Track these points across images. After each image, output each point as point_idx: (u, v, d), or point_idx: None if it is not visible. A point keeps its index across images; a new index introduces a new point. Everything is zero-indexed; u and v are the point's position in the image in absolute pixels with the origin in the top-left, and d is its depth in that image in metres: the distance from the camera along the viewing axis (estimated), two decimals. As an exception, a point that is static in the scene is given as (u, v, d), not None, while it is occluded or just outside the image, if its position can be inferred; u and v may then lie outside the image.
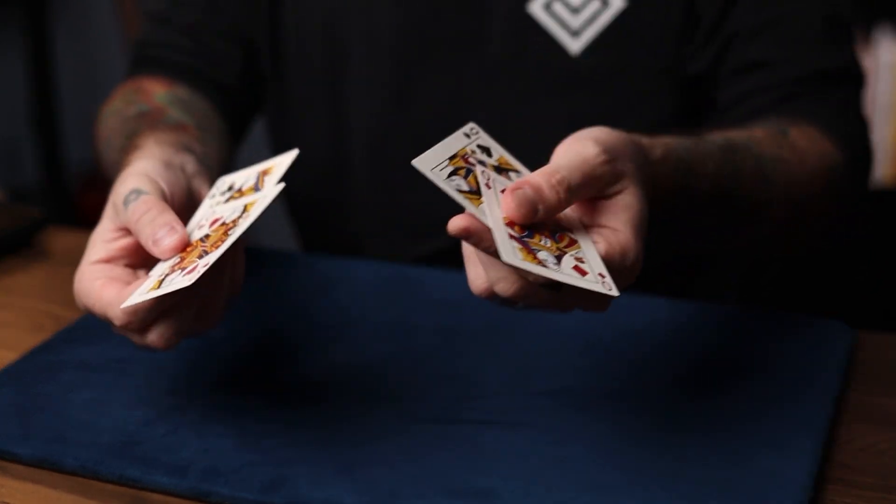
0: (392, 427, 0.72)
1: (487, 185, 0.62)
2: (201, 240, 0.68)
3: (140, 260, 0.71)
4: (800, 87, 0.93)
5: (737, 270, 1.14)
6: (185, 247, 0.68)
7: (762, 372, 0.79)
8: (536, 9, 0.94)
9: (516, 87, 0.97)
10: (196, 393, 0.77)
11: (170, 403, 0.75)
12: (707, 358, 0.81)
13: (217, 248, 0.66)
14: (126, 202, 0.70)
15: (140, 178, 0.72)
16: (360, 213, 1.04)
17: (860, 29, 1.95)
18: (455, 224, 0.60)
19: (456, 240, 0.60)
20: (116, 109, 0.95)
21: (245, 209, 0.69)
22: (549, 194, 0.62)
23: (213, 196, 0.73)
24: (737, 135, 0.83)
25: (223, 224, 0.69)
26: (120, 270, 0.71)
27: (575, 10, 0.93)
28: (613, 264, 0.62)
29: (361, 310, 0.87)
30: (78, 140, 2.67)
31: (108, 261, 0.71)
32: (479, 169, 0.63)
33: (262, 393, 0.77)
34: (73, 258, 1.04)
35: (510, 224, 0.61)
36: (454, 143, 0.64)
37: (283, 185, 0.69)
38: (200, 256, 0.66)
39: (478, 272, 0.64)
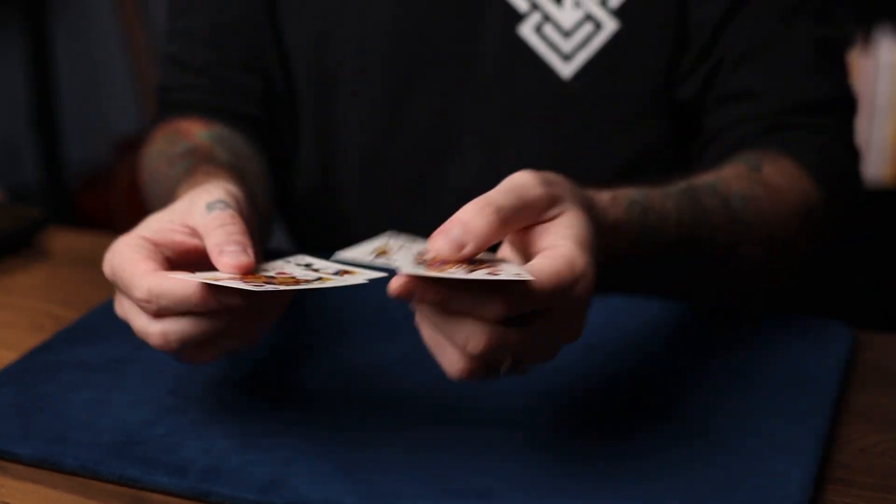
0: (392, 427, 0.72)
1: (391, 238, 0.63)
2: (266, 276, 0.68)
3: (183, 264, 0.70)
4: (785, 118, 0.91)
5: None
6: (248, 271, 0.67)
7: (762, 372, 0.79)
8: (527, 31, 0.93)
9: (507, 109, 0.96)
10: (196, 393, 0.77)
11: (170, 403, 0.75)
12: (707, 358, 0.81)
13: (285, 285, 0.65)
14: (211, 208, 0.70)
15: (230, 197, 0.71)
16: (355, 233, 1.04)
17: (860, 29, 1.95)
18: (394, 287, 0.61)
19: None
20: (160, 150, 0.95)
21: (321, 279, 0.68)
22: (477, 221, 0.61)
23: (288, 261, 0.73)
24: (701, 177, 0.83)
25: (293, 277, 0.68)
26: (161, 258, 0.69)
27: (567, 34, 0.92)
28: (563, 278, 0.61)
29: (361, 310, 0.87)
30: (78, 140, 2.67)
31: (156, 244, 0.70)
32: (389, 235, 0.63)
33: (262, 393, 0.77)
34: (73, 258, 1.04)
35: (422, 262, 0.62)
36: (375, 241, 0.65)
37: (367, 281, 0.68)
38: (265, 282, 0.66)
39: (448, 356, 0.63)
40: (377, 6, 0.97)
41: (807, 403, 0.74)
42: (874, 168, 1.92)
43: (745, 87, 0.92)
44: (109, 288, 0.93)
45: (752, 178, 0.85)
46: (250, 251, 0.68)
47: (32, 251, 1.04)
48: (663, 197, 0.77)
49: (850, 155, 0.94)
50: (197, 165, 0.86)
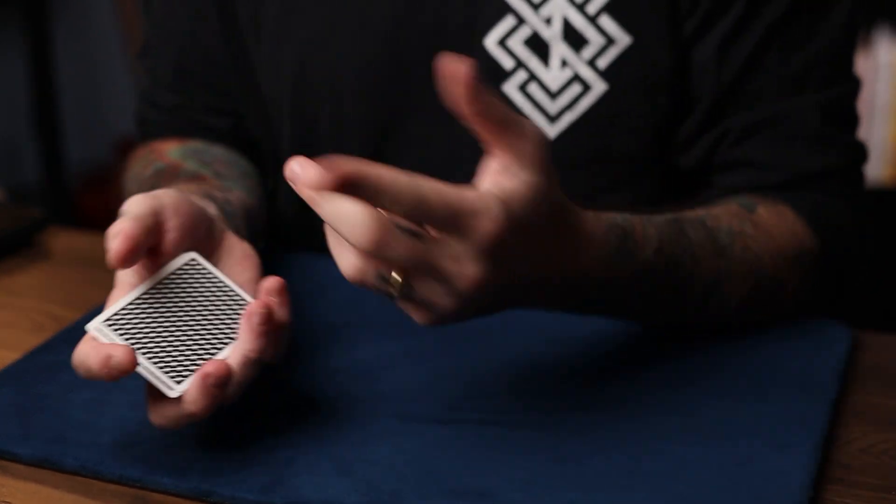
0: (392, 427, 0.72)
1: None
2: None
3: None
4: (786, 187, 0.90)
5: None
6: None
7: (762, 372, 0.79)
8: (511, 89, 0.90)
9: None
10: (196, 393, 0.76)
11: (170, 403, 0.75)
12: (707, 358, 0.81)
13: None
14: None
15: (145, 203, 0.70)
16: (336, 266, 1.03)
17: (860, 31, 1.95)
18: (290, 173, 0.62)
19: None
20: (134, 174, 0.94)
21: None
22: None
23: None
24: (691, 211, 0.82)
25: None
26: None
27: (553, 95, 0.89)
28: (468, 202, 0.63)
29: (361, 310, 0.87)
30: (78, 140, 2.67)
31: None
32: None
33: (262, 393, 0.77)
34: (73, 258, 1.04)
35: None
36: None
37: None
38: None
39: (343, 255, 0.65)
40: (352, 56, 0.94)
41: (806, 403, 0.75)
42: (874, 168, 1.92)
43: (748, 158, 0.90)
44: (109, 288, 0.93)
45: (743, 217, 0.84)
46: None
47: (32, 251, 1.04)
48: (646, 223, 0.76)
49: (852, 211, 0.92)
50: (157, 186, 0.85)
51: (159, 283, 0.69)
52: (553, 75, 0.89)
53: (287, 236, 1.05)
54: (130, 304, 0.67)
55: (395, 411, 0.74)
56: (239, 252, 0.74)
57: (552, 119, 0.89)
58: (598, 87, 0.89)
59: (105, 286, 0.95)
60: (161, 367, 0.66)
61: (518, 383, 0.77)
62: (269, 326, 0.67)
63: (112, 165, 2.62)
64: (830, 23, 0.89)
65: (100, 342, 0.66)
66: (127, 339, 0.66)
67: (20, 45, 2.49)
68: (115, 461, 0.70)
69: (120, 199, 0.95)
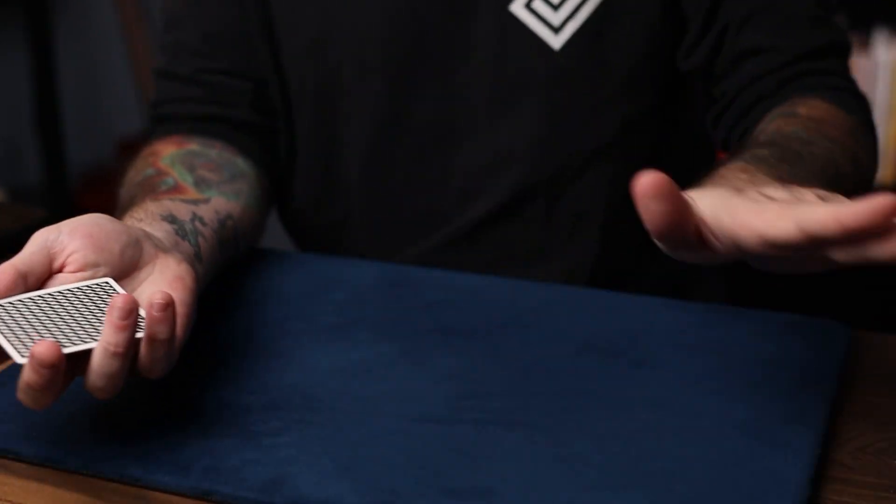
0: (392, 427, 0.73)
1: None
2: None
3: None
4: (793, 68, 0.94)
5: (726, 283, 1.14)
6: None
7: (761, 372, 0.79)
8: (517, 8, 0.96)
9: (503, 87, 0.98)
10: (197, 392, 0.77)
11: (171, 402, 0.76)
12: (705, 358, 0.81)
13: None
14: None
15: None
16: (357, 229, 1.04)
17: (859, 32, 1.96)
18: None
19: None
20: (129, 178, 0.96)
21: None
22: None
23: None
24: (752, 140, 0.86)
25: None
26: None
27: (555, 7, 0.95)
28: None
29: (361, 310, 0.87)
30: (79, 140, 2.68)
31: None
32: None
33: (262, 392, 0.77)
34: (75, 258, 1.04)
35: None
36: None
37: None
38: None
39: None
40: (372, 2, 0.98)
41: (805, 403, 0.75)
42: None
43: (752, 45, 0.95)
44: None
45: (798, 121, 0.87)
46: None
47: (34, 251, 1.04)
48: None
49: (857, 87, 0.97)
50: (133, 201, 0.88)
51: (59, 292, 0.71)
52: None
53: (302, 212, 1.06)
54: (26, 298, 0.69)
55: (395, 411, 0.74)
56: (171, 273, 0.75)
57: (556, 30, 0.96)
58: None
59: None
60: (19, 338, 0.67)
61: (518, 383, 0.78)
62: (129, 322, 0.67)
63: (113, 166, 2.62)
64: None
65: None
66: (6, 322, 0.68)
67: (21, 45, 2.49)
68: (116, 460, 0.70)
69: (117, 198, 0.96)
